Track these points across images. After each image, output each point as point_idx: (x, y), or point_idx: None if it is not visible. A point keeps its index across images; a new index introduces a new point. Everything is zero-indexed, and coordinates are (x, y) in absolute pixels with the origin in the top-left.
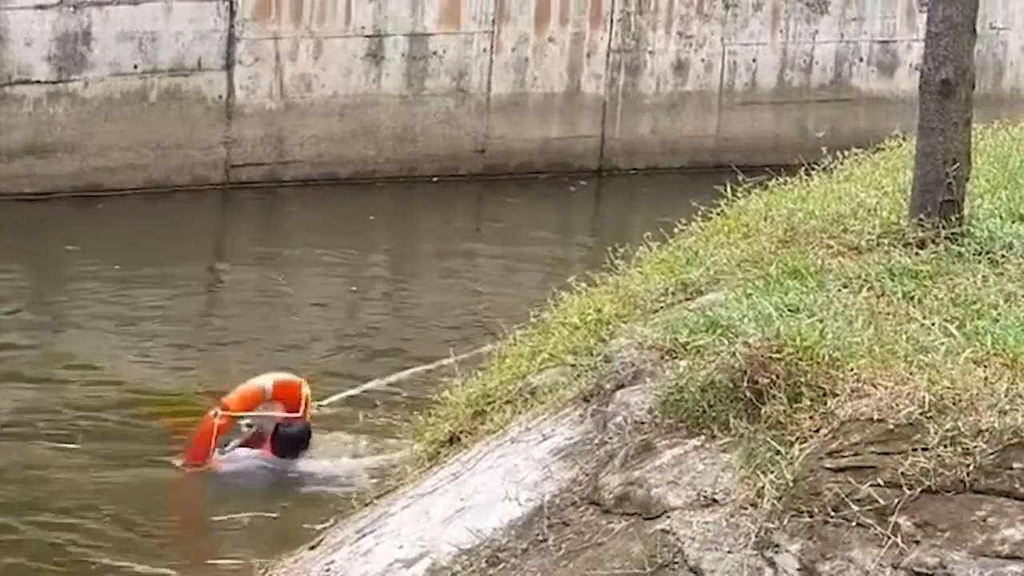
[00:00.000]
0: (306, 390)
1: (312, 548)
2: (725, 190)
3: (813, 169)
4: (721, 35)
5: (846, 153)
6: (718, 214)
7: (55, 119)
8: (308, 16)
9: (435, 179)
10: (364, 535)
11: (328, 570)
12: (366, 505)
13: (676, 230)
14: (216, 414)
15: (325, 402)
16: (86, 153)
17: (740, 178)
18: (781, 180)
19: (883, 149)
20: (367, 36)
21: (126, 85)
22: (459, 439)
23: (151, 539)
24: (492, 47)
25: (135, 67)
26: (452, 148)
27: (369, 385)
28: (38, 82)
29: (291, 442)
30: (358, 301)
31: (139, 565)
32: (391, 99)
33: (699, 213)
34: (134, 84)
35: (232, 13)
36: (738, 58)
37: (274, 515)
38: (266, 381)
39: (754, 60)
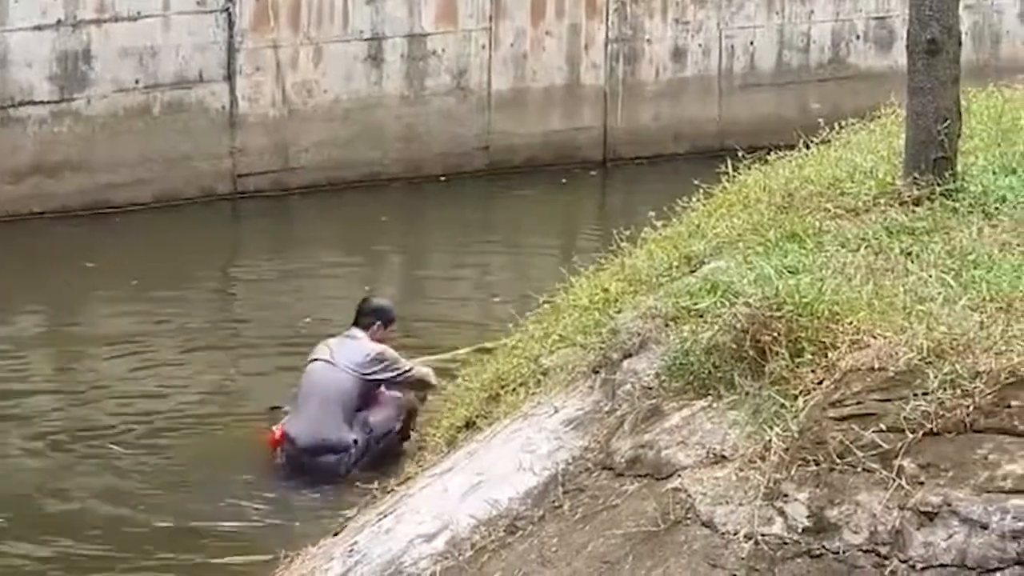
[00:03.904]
0: None
1: (335, 534)
2: (728, 171)
3: (812, 143)
4: (717, 20)
5: (845, 126)
6: (720, 190)
7: (60, 138)
8: (306, 23)
9: (442, 178)
10: (385, 516)
11: (351, 551)
12: (387, 493)
13: (679, 209)
14: None
15: None
16: (93, 170)
17: (742, 156)
18: (780, 155)
19: (879, 117)
20: (366, 39)
21: (129, 101)
22: (475, 423)
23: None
24: (490, 43)
25: (137, 82)
26: (456, 146)
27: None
28: (41, 102)
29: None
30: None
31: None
32: (393, 100)
33: (702, 192)
34: (137, 99)
35: (231, 24)
36: (735, 42)
37: (294, 512)
38: None
39: (751, 43)
